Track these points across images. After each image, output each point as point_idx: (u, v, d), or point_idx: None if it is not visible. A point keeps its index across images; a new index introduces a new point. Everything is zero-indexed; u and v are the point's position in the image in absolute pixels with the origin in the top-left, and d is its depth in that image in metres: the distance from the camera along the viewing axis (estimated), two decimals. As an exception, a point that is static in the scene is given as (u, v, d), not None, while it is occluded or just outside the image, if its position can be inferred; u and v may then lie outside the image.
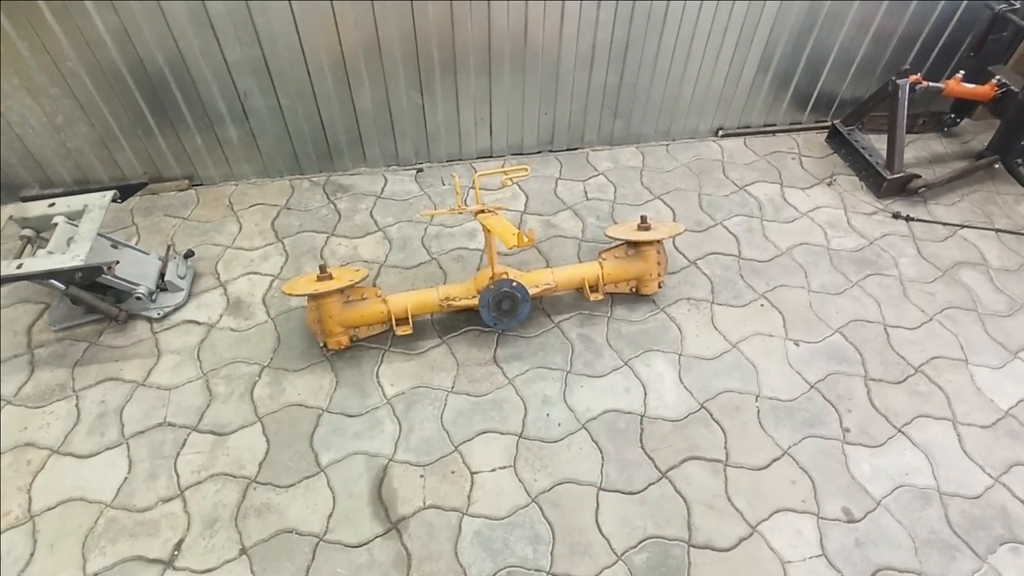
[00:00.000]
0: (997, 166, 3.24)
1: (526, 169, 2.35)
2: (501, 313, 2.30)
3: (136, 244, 2.65)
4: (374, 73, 2.79)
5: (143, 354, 2.37)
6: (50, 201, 2.37)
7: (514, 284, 2.27)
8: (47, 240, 2.31)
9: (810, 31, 3.08)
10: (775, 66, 3.21)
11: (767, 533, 1.94)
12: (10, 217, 2.33)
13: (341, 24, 2.59)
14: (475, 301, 2.32)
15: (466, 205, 2.31)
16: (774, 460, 2.12)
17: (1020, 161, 3.24)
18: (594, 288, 2.47)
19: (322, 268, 2.26)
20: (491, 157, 3.30)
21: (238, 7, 2.46)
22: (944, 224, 2.98)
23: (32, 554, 1.86)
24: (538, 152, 3.34)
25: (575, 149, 3.36)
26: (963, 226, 2.97)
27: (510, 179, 2.31)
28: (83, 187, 2.54)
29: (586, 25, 2.82)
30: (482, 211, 2.30)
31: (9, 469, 2.05)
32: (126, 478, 2.03)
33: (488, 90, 2.98)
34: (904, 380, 2.37)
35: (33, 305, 2.53)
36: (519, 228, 2.82)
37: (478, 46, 2.79)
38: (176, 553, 1.87)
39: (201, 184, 3.06)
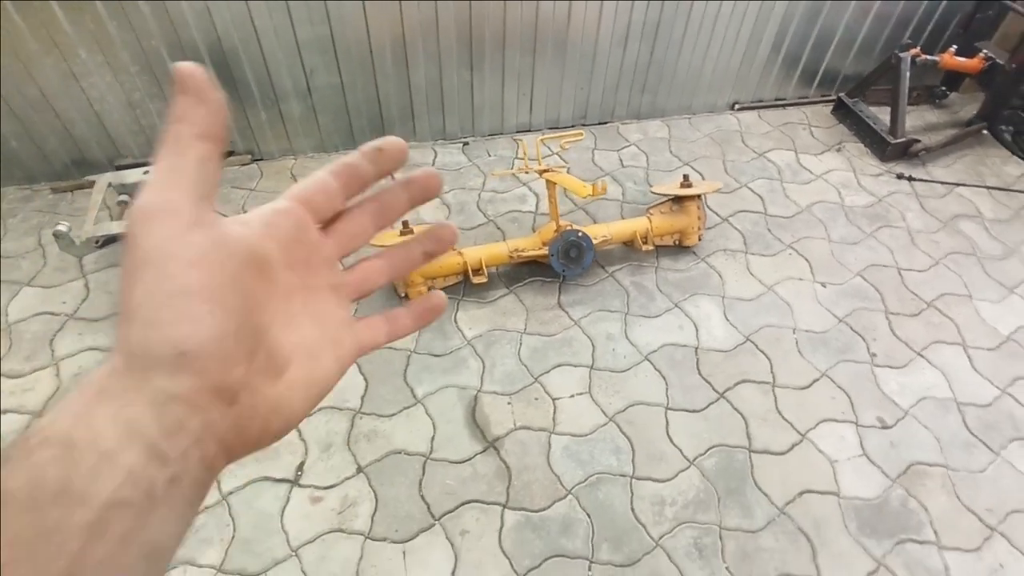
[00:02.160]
0: (984, 132, 3.60)
1: (581, 134, 2.62)
2: (569, 260, 2.56)
3: (215, 211, 2.84)
4: (430, 51, 3.02)
5: (236, 308, 2.57)
6: (145, 169, 2.56)
7: (580, 234, 2.53)
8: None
9: (819, 13, 3.39)
10: (787, 45, 3.53)
11: (815, 439, 2.24)
12: (109, 184, 2.50)
13: (405, 6, 2.81)
14: (542, 251, 2.57)
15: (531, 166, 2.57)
16: (814, 381, 2.42)
17: (1004, 127, 3.61)
18: (644, 240, 2.74)
19: (405, 224, 2.48)
20: (529, 131, 3.54)
21: (313, -11, 2.68)
22: (942, 183, 3.33)
23: (167, 479, 2.06)
24: (572, 126, 3.60)
25: (606, 123, 3.63)
26: (959, 184, 3.32)
27: (567, 143, 2.57)
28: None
29: (624, 5, 3.09)
30: (547, 170, 2.56)
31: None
32: (242, 413, 2.23)
33: (532, 67, 3.23)
34: (919, 313, 2.69)
35: (123, 269, 2.70)
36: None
37: (526, 24, 3.04)
38: (300, 473, 2.09)
39: (262, 159, 3.25)
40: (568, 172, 2.58)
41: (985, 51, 3.42)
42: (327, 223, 0.38)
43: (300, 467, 2.11)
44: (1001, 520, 2.08)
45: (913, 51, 3.28)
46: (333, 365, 0.38)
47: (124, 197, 2.54)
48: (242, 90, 2.95)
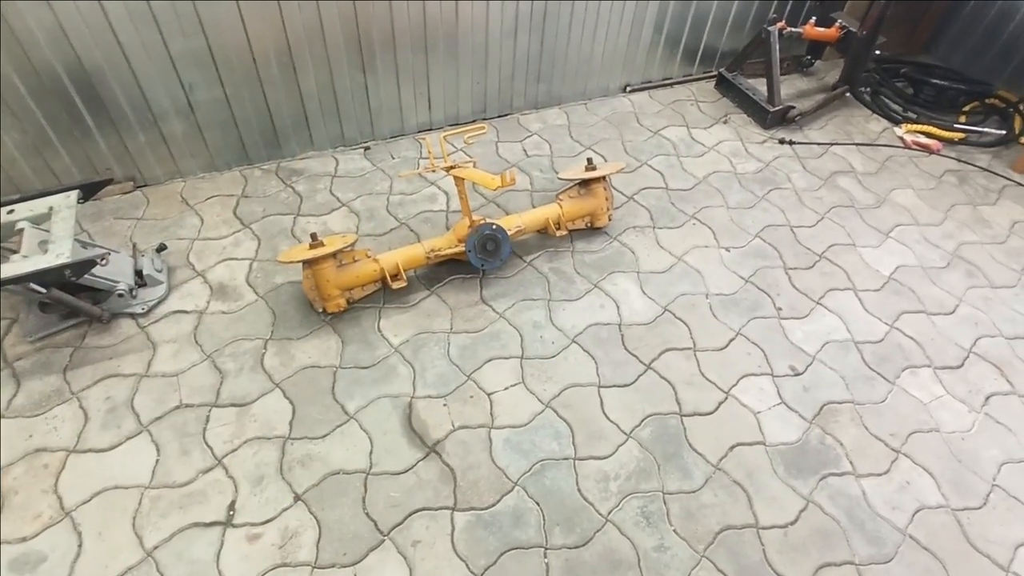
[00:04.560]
0: (848, 95, 3.94)
1: (483, 128, 2.61)
2: (486, 254, 2.55)
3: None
4: (318, 55, 2.91)
5: (137, 348, 2.37)
6: (8, 208, 2.30)
7: (494, 227, 2.53)
8: (9, 249, 2.25)
9: (692, -7, 3.58)
10: (667, 27, 3.69)
11: (738, 394, 2.37)
12: (-35, 229, 2.23)
13: (285, 8, 2.69)
14: (459, 249, 2.55)
15: (436, 164, 2.53)
16: (730, 340, 2.56)
17: (863, 89, 3.97)
18: (557, 226, 2.79)
19: (313, 236, 2.39)
20: (430, 129, 3.50)
21: (181, -3, 2.50)
22: (819, 144, 3.61)
23: (80, 545, 1.87)
24: (472, 121, 3.59)
25: (505, 115, 3.65)
26: (832, 144, 3.61)
27: (470, 138, 2.56)
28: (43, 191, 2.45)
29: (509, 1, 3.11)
30: (453, 167, 2.53)
31: (26, 476, 2.01)
32: (158, 459, 2.07)
33: (425, 65, 3.18)
34: (813, 266, 2.91)
35: (-5, 322, 2.42)
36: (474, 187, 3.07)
37: (415, 23, 2.99)
38: (232, 513, 1.97)
39: (146, 185, 3.01)
40: (475, 167, 2.58)
41: (840, 21, 3.73)
42: None
43: (231, 506, 1.98)
44: (903, 442, 2.30)
45: (779, 24, 3.53)
46: None
47: (-13, 242, 2.27)
48: (114, 112, 2.71)
